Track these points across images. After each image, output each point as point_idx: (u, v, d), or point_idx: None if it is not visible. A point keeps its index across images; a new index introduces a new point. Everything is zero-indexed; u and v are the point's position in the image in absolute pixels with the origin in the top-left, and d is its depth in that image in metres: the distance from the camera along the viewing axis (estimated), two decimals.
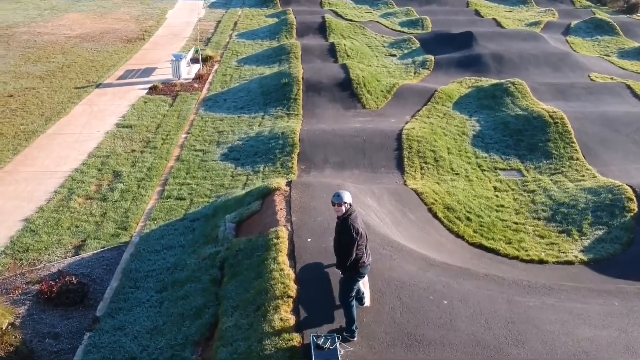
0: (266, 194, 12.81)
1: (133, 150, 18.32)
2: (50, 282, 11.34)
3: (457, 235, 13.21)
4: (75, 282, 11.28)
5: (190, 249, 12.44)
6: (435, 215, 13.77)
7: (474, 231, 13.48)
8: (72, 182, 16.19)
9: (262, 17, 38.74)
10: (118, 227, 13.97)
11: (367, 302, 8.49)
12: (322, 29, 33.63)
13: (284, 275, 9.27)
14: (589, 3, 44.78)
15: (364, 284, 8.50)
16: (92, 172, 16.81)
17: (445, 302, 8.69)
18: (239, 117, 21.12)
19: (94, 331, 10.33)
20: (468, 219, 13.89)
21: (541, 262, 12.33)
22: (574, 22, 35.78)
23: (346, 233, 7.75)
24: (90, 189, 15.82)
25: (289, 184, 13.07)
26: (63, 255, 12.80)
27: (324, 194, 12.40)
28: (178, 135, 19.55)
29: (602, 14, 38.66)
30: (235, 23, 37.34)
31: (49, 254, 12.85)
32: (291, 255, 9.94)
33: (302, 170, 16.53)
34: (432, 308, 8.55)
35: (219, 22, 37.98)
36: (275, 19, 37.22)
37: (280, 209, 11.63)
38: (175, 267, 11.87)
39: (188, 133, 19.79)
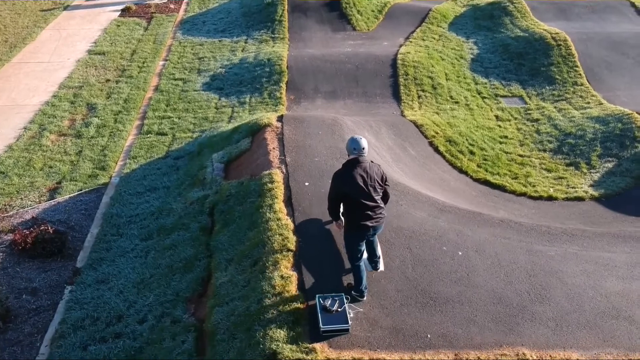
0: (256, 130, 11.76)
1: (107, 80, 16.95)
2: (24, 231, 10.39)
3: (461, 170, 12.39)
4: (51, 231, 10.34)
5: (176, 191, 11.49)
6: (436, 150, 12.89)
7: (478, 166, 12.67)
8: (42, 116, 14.92)
9: None
10: (95, 166, 12.92)
11: (381, 267, 7.62)
12: None
13: (282, 225, 8.42)
14: None
15: (378, 246, 7.67)
16: (64, 105, 15.52)
17: (460, 253, 7.96)
18: (220, 41, 19.64)
19: (75, 284, 9.52)
20: (471, 152, 13.04)
21: (550, 198, 11.62)
22: None
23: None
24: (63, 125, 14.61)
25: (280, 119, 12.00)
26: (37, 200, 11.79)
27: (320, 130, 11.40)
28: (155, 62, 18.13)
29: None
30: None
31: (21, 199, 11.83)
32: (288, 202, 9.06)
33: (291, 100, 15.41)
34: (446, 260, 7.82)
35: None
36: None
37: (273, 148, 10.64)
38: (161, 212, 10.96)
39: (166, 60, 18.36)
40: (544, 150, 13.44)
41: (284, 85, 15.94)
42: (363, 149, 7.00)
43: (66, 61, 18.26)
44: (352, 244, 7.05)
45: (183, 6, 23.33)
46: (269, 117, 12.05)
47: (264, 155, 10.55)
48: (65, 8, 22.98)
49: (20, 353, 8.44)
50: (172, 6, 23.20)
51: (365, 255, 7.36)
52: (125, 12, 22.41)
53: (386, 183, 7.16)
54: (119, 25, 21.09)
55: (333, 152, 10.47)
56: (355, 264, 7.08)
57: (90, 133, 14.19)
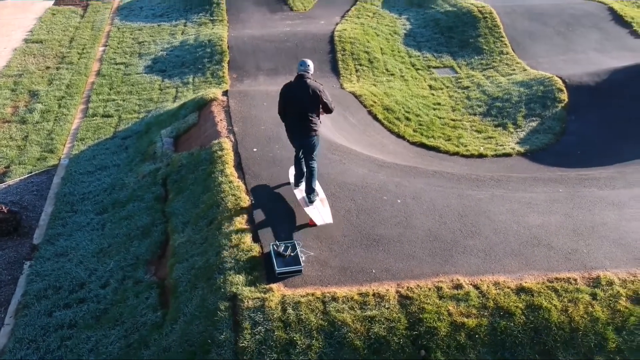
0: (202, 105, 12.20)
1: (47, 67, 16.93)
2: None
3: (398, 135, 13.21)
4: (5, 211, 10.52)
5: (127, 168, 11.83)
6: (375, 117, 13.65)
7: (414, 130, 13.51)
8: None
9: None
10: (43, 150, 13.06)
11: (322, 217, 8.17)
12: None
13: (234, 187, 8.97)
14: None
15: (322, 201, 8.47)
16: (5, 93, 15.47)
17: (399, 200, 8.72)
18: (159, 25, 19.83)
19: (34, 259, 9.79)
20: (407, 119, 13.87)
21: (481, 156, 12.58)
22: None
23: None
24: (6, 112, 14.60)
25: (225, 93, 12.48)
26: None
27: (264, 102, 11.95)
28: (95, 48, 18.18)
29: None
30: None
31: None
32: (238, 166, 9.60)
33: (234, 79, 15.85)
34: (386, 208, 8.56)
35: None
36: None
37: (220, 120, 11.13)
38: (113, 188, 11.30)
39: (106, 45, 18.43)
40: (474, 114, 14.41)
41: (226, 65, 16.37)
42: (308, 66, 8.08)
43: (2, 50, 18.07)
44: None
45: None
46: (214, 92, 12.51)
47: (212, 127, 11.04)
48: None
49: None
50: None
51: (302, 186, 8.57)
52: (59, 0, 22.18)
53: (326, 101, 8.11)
54: (54, 14, 20.91)
55: (278, 121, 10.84)
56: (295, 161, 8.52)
57: (34, 119, 14.26)
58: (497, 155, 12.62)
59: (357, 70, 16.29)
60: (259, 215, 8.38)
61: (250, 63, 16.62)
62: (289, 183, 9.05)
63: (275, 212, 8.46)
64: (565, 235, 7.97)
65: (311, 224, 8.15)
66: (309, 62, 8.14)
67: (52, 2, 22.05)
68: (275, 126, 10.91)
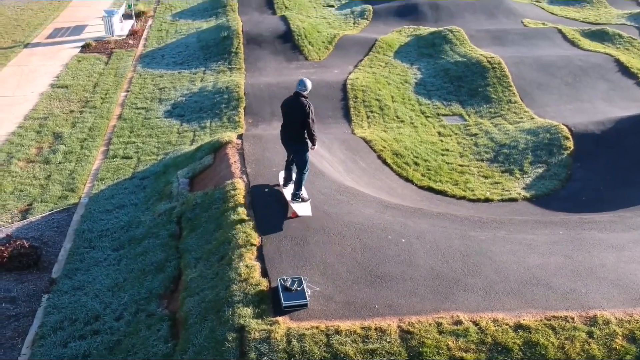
0: (218, 147, 12.73)
1: (72, 111, 17.70)
2: (0, 246, 11.02)
3: (407, 179, 13.59)
4: (27, 246, 11.01)
5: (144, 207, 12.31)
6: (384, 162, 14.08)
7: (422, 175, 13.90)
8: (10, 145, 15.56)
9: None
10: (65, 189, 13.62)
11: (302, 210, 9.65)
12: None
13: (245, 224, 9.36)
14: None
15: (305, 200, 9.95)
16: (31, 134, 16.19)
17: (403, 240, 9.04)
18: (179, 72, 20.67)
19: (52, 292, 10.18)
20: (416, 163, 14.28)
21: (487, 200, 12.89)
22: None
23: None
24: (31, 152, 15.26)
25: (240, 137, 13.03)
26: (10, 220, 12.41)
27: (277, 145, 12.40)
28: (117, 93, 18.99)
29: None
30: None
31: None
32: (250, 205, 10.02)
33: (249, 123, 16.46)
34: (391, 247, 8.88)
35: None
36: None
37: (234, 161, 11.62)
38: (130, 225, 11.75)
39: (128, 91, 19.24)
40: (482, 160, 14.79)
41: (242, 110, 17.01)
42: (305, 86, 9.66)
43: (30, 95, 18.93)
44: None
45: (142, 42, 24.31)
46: (229, 135, 13.06)
47: (226, 168, 11.52)
48: (26, 46, 23.67)
49: (2, 355, 9.03)
50: (131, 42, 24.15)
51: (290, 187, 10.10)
52: (85, 48, 23.24)
53: (308, 119, 9.51)
54: (80, 61, 21.89)
55: None
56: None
57: (57, 159, 14.89)
58: (503, 200, 12.92)
59: (368, 117, 16.83)
60: (268, 251, 8.74)
61: (265, 109, 17.25)
62: (297, 218, 9.45)
63: (284, 249, 8.81)
64: (564, 276, 8.21)
65: (293, 216, 9.60)
66: (307, 82, 9.70)
67: (79, 49, 23.09)
68: None
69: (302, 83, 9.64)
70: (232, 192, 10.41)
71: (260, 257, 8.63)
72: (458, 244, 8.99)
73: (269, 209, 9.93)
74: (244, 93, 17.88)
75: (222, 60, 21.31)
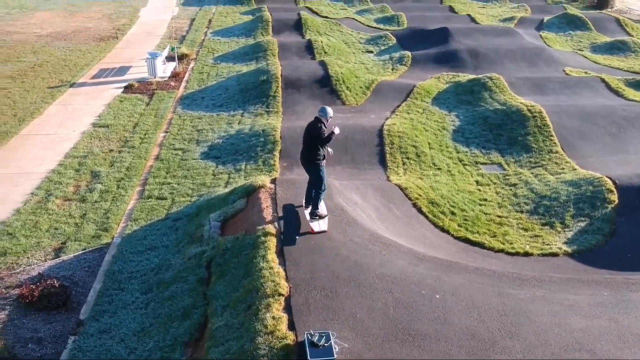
0: (251, 191, 12.66)
1: (111, 150, 17.99)
2: (31, 285, 11.04)
3: (442, 229, 13.23)
4: (57, 285, 11.01)
5: (175, 249, 12.24)
6: (420, 210, 13.77)
7: (459, 225, 13.52)
8: (49, 183, 15.82)
9: (236, 15, 38.44)
10: (99, 228, 13.69)
11: (318, 226, 10.66)
12: (298, 26, 33.48)
13: (274, 273, 9.15)
14: None
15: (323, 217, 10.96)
16: (70, 172, 16.45)
17: (437, 296, 8.68)
18: (217, 115, 20.89)
19: (79, 335, 10.08)
20: (452, 213, 13.92)
21: (526, 254, 12.42)
22: (546, 18, 36.25)
23: None
24: (68, 190, 15.48)
25: (273, 181, 12.95)
26: (43, 258, 12.49)
27: None
28: (156, 134, 19.26)
29: (573, 10, 39.23)
30: (210, 20, 36.97)
31: (28, 257, 12.52)
32: (280, 252, 9.83)
33: (284, 167, 16.40)
34: (424, 302, 8.52)
35: (193, 19, 37.56)
36: (250, 16, 36.97)
37: (267, 206, 11.50)
38: (160, 268, 11.66)
39: (166, 132, 19.50)
40: (521, 212, 14.33)
41: (277, 154, 16.99)
42: (326, 113, 10.85)
43: (71, 133, 19.36)
44: None
45: (183, 83, 24.79)
46: (263, 179, 12.99)
47: (258, 212, 11.39)
48: (72, 85, 24.39)
49: None
50: (172, 83, 24.65)
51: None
52: (128, 89, 23.80)
53: (317, 139, 10.62)
54: (122, 101, 22.39)
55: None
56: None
57: (94, 198, 15.04)
58: (543, 255, 12.43)
59: (404, 164, 16.60)
60: (296, 302, 8.48)
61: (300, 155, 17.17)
62: (328, 269, 9.19)
63: (312, 300, 8.54)
64: (609, 342, 7.70)
65: (311, 232, 10.51)
66: (328, 110, 10.93)
67: (121, 90, 23.65)
68: None
69: (323, 110, 10.84)
70: (263, 238, 10.25)
71: (288, 308, 8.38)
72: (495, 302, 8.57)
73: (299, 257, 9.71)
74: (280, 136, 17.90)
75: (260, 104, 21.49)
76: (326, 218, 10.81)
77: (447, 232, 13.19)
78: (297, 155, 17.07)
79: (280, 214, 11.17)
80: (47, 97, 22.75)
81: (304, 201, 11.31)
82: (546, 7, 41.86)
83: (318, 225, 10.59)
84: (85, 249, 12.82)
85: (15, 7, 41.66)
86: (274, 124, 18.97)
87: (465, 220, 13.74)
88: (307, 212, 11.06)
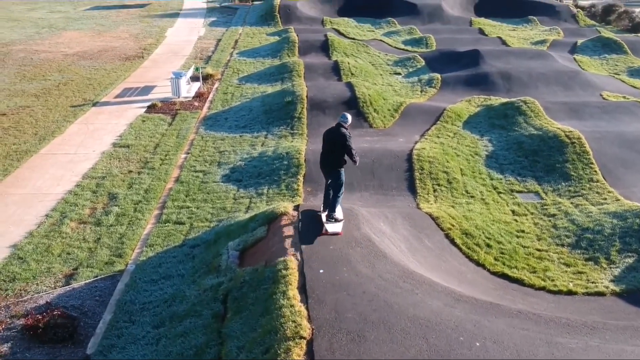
0: (272, 219, 11.89)
1: (130, 171, 17.43)
2: (37, 315, 10.37)
3: (478, 263, 12.28)
4: (64, 316, 10.32)
5: (190, 279, 11.49)
6: (452, 242, 12.84)
7: (495, 259, 12.55)
8: (64, 205, 15.27)
9: (263, 36, 38.14)
10: (112, 254, 13.03)
11: (333, 229, 10.94)
12: (324, 47, 32.96)
13: (295, 312, 8.32)
14: (593, 22, 44.33)
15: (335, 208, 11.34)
16: (87, 194, 15.90)
17: (477, 344, 7.74)
18: (240, 136, 20.28)
19: None
20: (488, 245, 12.97)
21: (570, 293, 11.39)
22: (580, 41, 35.19)
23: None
24: (84, 213, 14.89)
25: (296, 208, 12.17)
26: (52, 285, 11.84)
27: None
28: (177, 155, 18.68)
29: (608, 33, 38.12)
30: (236, 41, 36.70)
31: (37, 284, 11.89)
32: (302, 288, 9.00)
33: (308, 192, 15.64)
34: (463, 351, 7.60)
35: (219, 40, 37.35)
36: (277, 37, 36.61)
37: (288, 235, 10.71)
38: (174, 299, 10.91)
39: (188, 153, 18.92)
40: (562, 245, 13.31)
41: (301, 178, 16.25)
42: (346, 119, 11.23)
43: (91, 153, 18.90)
44: None
45: (207, 104, 24.30)
46: (285, 206, 12.22)
47: (279, 242, 10.61)
48: (95, 104, 24.07)
49: None
50: (196, 104, 24.18)
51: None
52: (151, 108, 23.39)
53: (344, 147, 10.93)
54: (144, 121, 21.95)
55: (348, 241, 10.50)
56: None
57: (109, 221, 14.43)
58: (588, 294, 11.39)
59: (434, 190, 15.71)
60: (319, 348, 7.63)
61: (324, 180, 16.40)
62: (355, 309, 8.33)
63: (337, 345, 7.68)
64: None
65: (325, 233, 10.82)
66: (348, 116, 11.34)
67: (144, 109, 23.24)
68: (345, 246, 10.36)
69: (344, 116, 11.29)
70: (284, 271, 9.44)
71: (310, 354, 7.53)
72: (543, 353, 7.61)
73: (323, 294, 8.87)
74: (305, 160, 17.16)
75: (285, 125, 20.84)
76: (342, 222, 11.16)
77: (483, 266, 12.23)
78: (321, 179, 16.38)
79: (303, 244, 10.35)
80: (70, 116, 22.42)
81: (322, 206, 11.74)
82: (579, 30, 40.83)
83: (332, 227, 10.96)
84: (97, 277, 12.16)
85: (45, 26, 42.03)
86: (298, 146, 18.26)
87: (502, 253, 12.77)
88: (324, 215, 11.40)
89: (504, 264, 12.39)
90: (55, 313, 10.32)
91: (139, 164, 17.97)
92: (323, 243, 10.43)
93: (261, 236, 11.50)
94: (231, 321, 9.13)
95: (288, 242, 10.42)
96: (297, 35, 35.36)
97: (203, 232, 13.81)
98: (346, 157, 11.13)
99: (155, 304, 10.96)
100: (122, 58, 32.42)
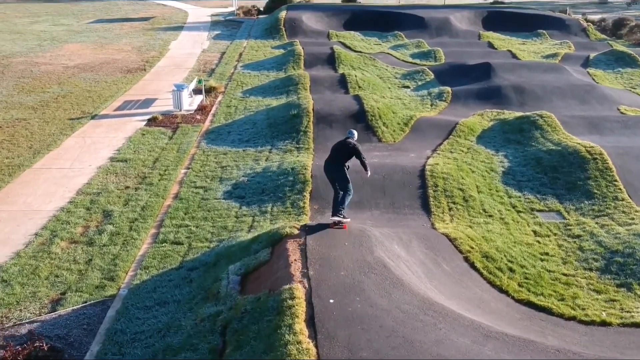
0: (277, 240, 10.90)
1: (127, 187, 16.50)
2: (17, 347, 9.38)
3: (501, 290, 11.24)
4: (46, 348, 9.33)
5: (187, 306, 10.49)
6: (472, 265, 11.83)
7: (519, 285, 11.52)
8: (56, 222, 14.33)
9: (268, 49, 37.41)
10: (104, 276, 12.05)
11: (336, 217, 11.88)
12: (331, 60, 32.16)
13: (303, 350, 7.31)
14: (604, 36, 43.52)
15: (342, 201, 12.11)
16: (80, 211, 14.97)
17: None
18: (244, 150, 19.37)
19: None
20: (510, 269, 11.94)
21: (603, 323, 10.33)
22: (592, 55, 34.31)
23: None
24: (76, 231, 13.95)
25: (303, 229, 11.19)
26: (37, 312, 10.86)
27: (346, 241, 10.52)
28: (177, 170, 17.76)
29: (620, 47, 37.26)
30: (241, 54, 35.98)
31: (20, 310, 10.92)
32: (310, 321, 7.99)
33: (315, 210, 14.68)
34: None
35: (224, 53, 36.63)
36: (282, 50, 35.88)
37: (294, 260, 9.71)
38: (168, 329, 9.91)
39: (188, 168, 17.99)
40: (590, 269, 12.28)
41: (307, 195, 15.31)
42: (353, 135, 12.33)
43: (87, 168, 18.01)
44: None
45: (209, 117, 23.44)
46: (290, 226, 11.25)
47: (284, 267, 9.62)
48: (93, 117, 23.25)
49: None
50: (198, 117, 23.32)
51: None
52: (151, 121, 22.54)
53: (357, 156, 12.00)
54: (144, 134, 21.08)
55: (360, 266, 9.50)
56: None
57: (102, 241, 13.48)
58: (624, 325, 10.33)
59: (450, 209, 14.72)
60: None
61: (333, 194, 15.44)
62: (370, 346, 7.32)
63: None
64: None
65: (331, 226, 11.57)
66: (354, 132, 12.48)
67: (144, 123, 22.39)
68: (358, 272, 9.37)
69: (351, 132, 12.46)
70: (289, 301, 8.44)
71: None
72: None
73: (334, 328, 7.86)
74: (311, 175, 16.21)
75: (290, 139, 19.93)
76: (348, 220, 11.99)
77: (506, 293, 11.19)
78: (329, 196, 15.44)
79: (311, 269, 9.36)
80: (67, 129, 21.60)
81: (331, 210, 12.29)
82: (590, 43, 39.98)
83: (339, 219, 11.74)
84: (86, 302, 11.17)
85: (47, 39, 41.46)
86: (304, 161, 17.32)
87: (527, 278, 11.74)
88: (332, 217, 11.96)
89: (529, 290, 11.36)
90: (36, 345, 9.33)
91: (137, 180, 17.06)
92: (333, 268, 9.43)
93: (264, 260, 10.51)
94: (230, 357, 8.12)
95: (294, 267, 9.42)
96: (303, 48, 34.61)
97: (202, 253, 12.84)
98: (348, 164, 12.15)
99: (148, 334, 9.95)
100: (124, 71, 31.69)
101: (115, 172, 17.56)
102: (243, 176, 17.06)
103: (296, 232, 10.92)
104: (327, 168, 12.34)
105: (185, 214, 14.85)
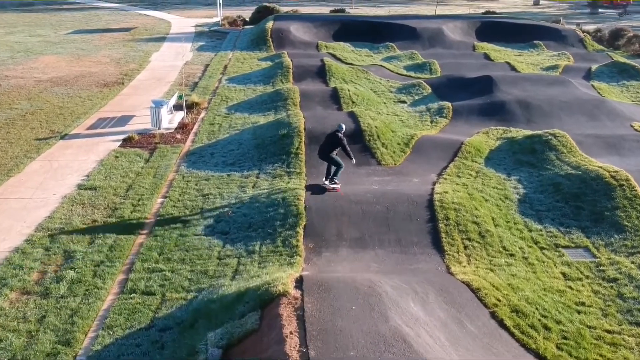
0: (267, 301, 8.91)
1: (94, 221, 14.44)
2: None
3: (538, 355, 9.33)
4: None
5: None
6: (501, 323, 9.92)
7: (558, 347, 9.62)
8: (7, 267, 12.25)
9: (254, 61, 35.46)
10: (59, 340, 9.98)
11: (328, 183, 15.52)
12: (321, 73, 30.24)
13: None
14: (601, 47, 42.09)
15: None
16: (37, 252, 12.90)
17: None
18: (228, 175, 17.35)
19: None
20: (545, 327, 10.04)
21: None
22: (594, 66, 32.75)
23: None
24: (30, 279, 11.87)
25: (299, 284, 9.19)
26: None
27: (353, 303, 8.54)
28: (152, 199, 15.71)
29: (621, 58, 35.80)
30: (225, 67, 33.98)
31: None
32: None
33: (310, 250, 12.73)
34: None
35: (207, 65, 34.61)
36: (269, 63, 33.92)
37: (290, 333, 7.72)
38: None
39: (165, 197, 15.95)
40: (637, 324, 10.42)
41: (301, 231, 13.36)
42: (342, 129, 15.58)
43: (51, 197, 15.92)
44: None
45: (191, 136, 21.42)
46: (284, 282, 9.24)
47: (277, 342, 7.62)
48: (63, 137, 21.13)
49: None
50: (178, 136, 21.29)
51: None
52: (126, 141, 20.48)
53: (342, 148, 15.34)
54: (117, 157, 19.01)
55: (374, 342, 7.53)
56: None
57: (60, 291, 11.41)
58: None
59: (465, 247, 12.83)
60: None
61: (330, 230, 13.54)
62: None
63: None
64: None
65: (329, 189, 15.23)
66: (343, 126, 15.78)
67: (119, 143, 20.33)
68: (372, 351, 7.39)
69: (340, 126, 15.57)
70: None
71: None
72: None
73: None
74: (305, 207, 14.27)
75: (280, 162, 17.96)
76: (339, 185, 15.36)
77: (545, 359, 9.28)
78: (326, 232, 13.52)
79: (312, 349, 7.37)
80: (32, 151, 19.48)
81: (324, 178, 15.67)
82: (588, 55, 38.49)
83: (332, 185, 15.39)
84: None
85: (21, 50, 39.19)
86: (296, 189, 15.36)
87: (565, 338, 9.84)
88: (326, 182, 15.57)
89: (570, 354, 9.46)
90: None
91: (106, 212, 14.99)
92: (340, 347, 7.45)
93: (252, 328, 8.49)
94: None
95: (289, 345, 7.42)
96: (291, 60, 32.69)
97: (177, 307, 10.82)
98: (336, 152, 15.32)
99: None
100: (100, 84, 29.56)
101: (82, 203, 15.48)
102: (227, 207, 15.05)
103: (291, 289, 8.93)
104: (320, 153, 15.69)
105: (160, 255, 12.82)
